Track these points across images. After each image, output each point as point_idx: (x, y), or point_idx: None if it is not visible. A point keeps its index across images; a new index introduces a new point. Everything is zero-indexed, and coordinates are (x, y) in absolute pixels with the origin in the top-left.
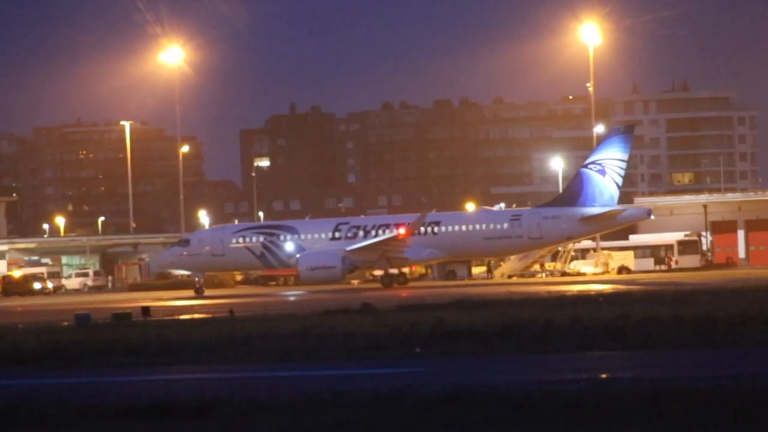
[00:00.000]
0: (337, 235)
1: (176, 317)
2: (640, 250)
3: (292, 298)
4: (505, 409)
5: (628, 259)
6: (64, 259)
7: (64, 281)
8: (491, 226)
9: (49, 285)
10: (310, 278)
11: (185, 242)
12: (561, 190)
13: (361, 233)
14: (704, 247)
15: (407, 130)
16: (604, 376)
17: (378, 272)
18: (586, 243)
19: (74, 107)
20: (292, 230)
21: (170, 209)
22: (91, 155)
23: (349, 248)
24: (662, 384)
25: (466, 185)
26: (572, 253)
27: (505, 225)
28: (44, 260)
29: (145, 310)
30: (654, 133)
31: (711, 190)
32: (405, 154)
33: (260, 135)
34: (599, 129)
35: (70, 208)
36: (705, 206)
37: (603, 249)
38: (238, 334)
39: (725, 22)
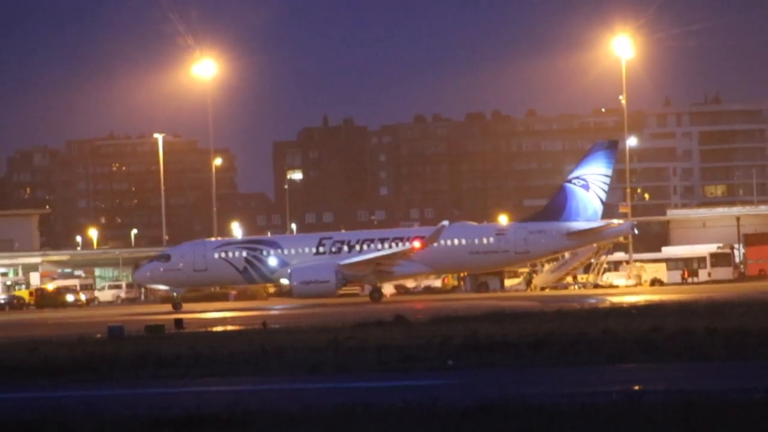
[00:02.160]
0: (321, 249)
1: (209, 329)
2: (673, 263)
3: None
4: (537, 421)
5: (660, 271)
6: (97, 272)
7: (96, 293)
8: (477, 240)
9: (82, 297)
10: (304, 292)
11: (165, 257)
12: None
13: (345, 248)
14: (737, 260)
15: (439, 142)
16: (636, 388)
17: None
18: (618, 255)
19: (107, 120)
20: (275, 245)
21: (203, 222)
22: (123, 168)
23: (342, 262)
24: (695, 396)
25: (498, 198)
26: (605, 266)
27: (491, 239)
28: (77, 272)
29: (178, 323)
30: (686, 145)
31: (744, 203)
32: (437, 166)
33: (293, 147)
34: (632, 141)
35: (103, 220)
36: (738, 218)
37: (636, 261)
38: (270, 346)
39: (757, 34)
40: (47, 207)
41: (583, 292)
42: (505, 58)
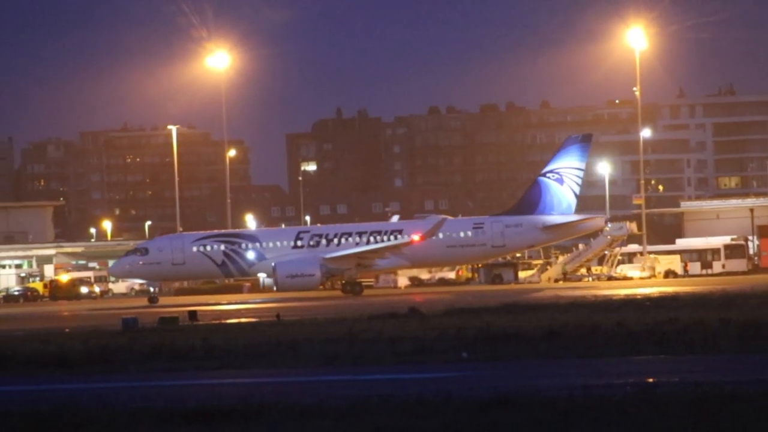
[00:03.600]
0: (299, 243)
1: (223, 321)
2: (687, 254)
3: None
4: (551, 413)
5: (674, 263)
6: (111, 263)
7: (111, 285)
8: (454, 234)
9: (96, 289)
10: (289, 286)
11: (143, 251)
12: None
13: (323, 242)
14: (751, 251)
15: (454, 134)
16: (650, 380)
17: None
18: (633, 247)
19: (121, 112)
20: (253, 239)
21: (217, 213)
22: (137, 160)
23: (327, 256)
24: (708, 388)
25: (512, 189)
26: (619, 257)
27: (469, 233)
28: (91, 264)
29: (192, 315)
30: (700, 137)
31: (758, 194)
32: (451, 158)
33: (307, 139)
34: (646, 133)
35: (117, 212)
36: (752, 210)
37: (650, 253)
38: (284, 338)
39: None
40: (61, 199)
41: (597, 283)
42: (520, 50)
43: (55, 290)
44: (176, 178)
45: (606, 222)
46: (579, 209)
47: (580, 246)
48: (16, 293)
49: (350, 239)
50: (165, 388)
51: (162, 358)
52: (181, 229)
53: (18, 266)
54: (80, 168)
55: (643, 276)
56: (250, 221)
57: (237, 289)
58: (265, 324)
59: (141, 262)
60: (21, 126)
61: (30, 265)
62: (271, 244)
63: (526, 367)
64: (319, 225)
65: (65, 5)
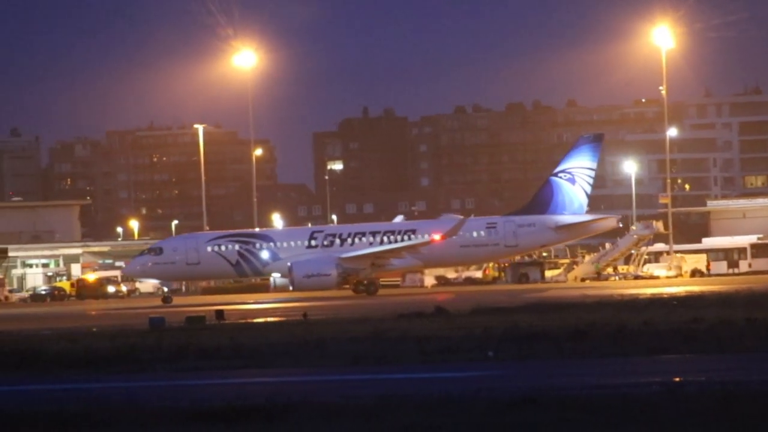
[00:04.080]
0: (313, 243)
1: (250, 320)
2: (713, 254)
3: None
4: (578, 412)
5: (701, 262)
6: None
7: (137, 284)
8: (467, 234)
9: (123, 288)
10: (305, 285)
11: (157, 250)
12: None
13: (337, 241)
14: None
15: (480, 133)
16: (677, 379)
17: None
18: (659, 246)
19: (147, 111)
20: (267, 238)
21: (243, 212)
22: (164, 158)
23: (343, 255)
24: (734, 388)
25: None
26: (645, 257)
27: (482, 233)
28: (118, 263)
29: (219, 314)
30: (726, 136)
31: None
32: (477, 157)
33: (333, 138)
34: (672, 132)
35: (144, 211)
36: None
37: (676, 252)
38: (311, 337)
39: None
40: (88, 198)
41: (624, 282)
42: (546, 49)
43: (82, 289)
44: (203, 177)
45: (617, 221)
46: (605, 208)
47: (607, 245)
48: (44, 292)
49: (364, 239)
50: (192, 387)
51: (189, 357)
52: (207, 228)
53: (45, 265)
54: (107, 167)
55: (669, 275)
56: (277, 220)
57: (264, 288)
58: (291, 323)
59: (155, 262)
60: (48, 125)
61: (57, 264)
62: (285, 244)
63: (552, 367)
64: (332, 224)
65: (92, 5)
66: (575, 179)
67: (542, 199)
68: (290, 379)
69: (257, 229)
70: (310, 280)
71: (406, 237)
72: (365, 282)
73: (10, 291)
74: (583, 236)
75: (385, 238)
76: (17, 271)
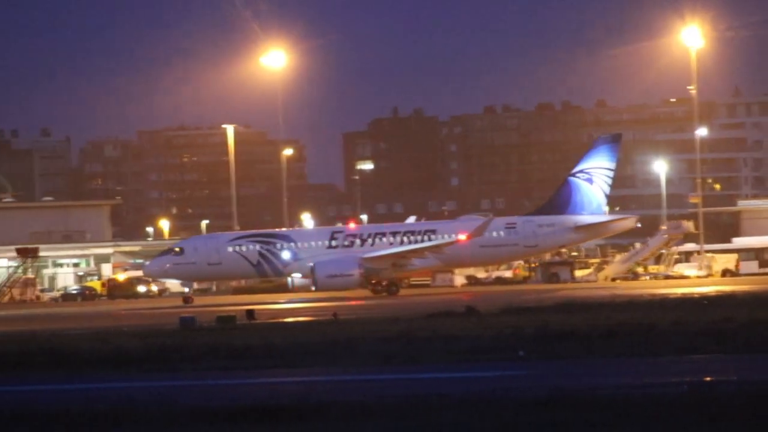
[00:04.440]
0: (333, 243)
1: (280, 320)
2: (744, 253)
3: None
4: (608, 412)
5: (731, 261)
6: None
7: (168, 284)
8: (487, 234)
9: (154, 288)
10: (328, 286)
11: (179, 251)
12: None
13: (357, 241)
14: None
15: (509, 133)
16: (707, 379)
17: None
18: (689, 246)
19: (177, 111)
20: (287, 239)
21: (273, 212)
22: (194, 158)
23: (365, 255)
24: (766, 387)
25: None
26: (676, 256)
27: (501, 233)
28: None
29: (250, 313)
30: (757, 135)
31: None
32: (507, 157)
33: (363, 138)
34: (702, 132)
35: (174, 211)
36: None
37: (707, 252)
38: (341, 337)
39: None
40: (118, 198)
41: (654, 282)
42: (575, 49)
43: (113, 289)
44: (233, 177)
45: (636, 221)
46: (635, 208)
47: (637, 245)
48: (74, 292)
49: (384, 239)
50: (222, 387)
51: (219, 357)
52: (238, 228)
53: (76, 265)
54: (137, 167)
55: (699, 275)
56: (307, 220)
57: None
58: (322, 323)
59: (176, 263)
60: (79, 125)
61: (88, 264)
62: (305, 244)
63: (582, 366)
64: (352, 225)
65: (121, 5)
66: (593, 179)
67: (561, 200)
68: (321, 378)
69: (279, 230)
70: (334, 280)
71: (426, 237)
72: (384, 282)
73: (42, 291)
74: (602, 236)
75: (405, 239)
76: (48, 271)
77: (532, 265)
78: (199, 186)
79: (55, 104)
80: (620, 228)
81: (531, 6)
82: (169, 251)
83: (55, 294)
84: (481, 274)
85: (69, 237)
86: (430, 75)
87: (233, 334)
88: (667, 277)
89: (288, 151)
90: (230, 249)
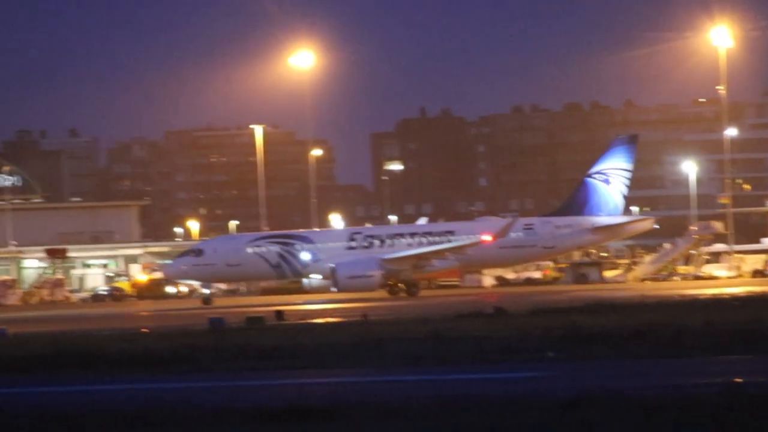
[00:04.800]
0: (352, 244)
1: (309, 321)
2: None
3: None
4: (638, 413)
5: (761, 262)
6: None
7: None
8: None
9: (183, 288)
10: (350, 287)
11: (198, 252)
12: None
13: (376, 242)
14: None
15: (538, 133)
16: (738, 380)
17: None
18: (719, 246)
19: (205, 111)
20: (306, 240)
21: (302, 213)
22: (222, 159)
23: (386, 257)
24: None
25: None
26: (705, 257)
27: (520, 234)
28: None
29: (279, 314)
30: None
31: None
32: (535, 157)
33: (391, 138)
34: (731, 132)
35: (202, 211)
36: None
37: (736, 252)
38: (370, 338)
39: None
40: (147, 198)
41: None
42: (603, 48)
43: (142, 290)
44: (261, 178)
45: (653, 223)
46: (664, 208)
47: (666, 246)
48: (103, 293)
49: (403, 240)
50: (251, 388)
51: (248, 358)
52: (267, 229)
53: (105, 266)
54: (165, 167)
55: (729, 275)
56: (335, 221)
57: (324, 289)
58: (351, 324)
59: (196, 264)
60: (107, 126)
61: (116, 265)
62: (325, 245)
63: (612, 367)
64: (369, 225)
65: (149, 5)
66: (610, 180)
67: (579, 201)
68: (350, 379)
69: (298, 230)
70: (355, 281)
71: (444, 238)
72: (400, 284)
73: (70, 291)
74: (619, 238)
75: (424, 240)
76: (77, 272)
77: (562, 265)
78: (228, 186)
79: (83, 105)
80: (638, 229)
81: (558, 6)
82: (189, 252)
83: (84, 295)
84: (510, 274)
85: (98, 238)
86: (458, 75)
87: (262, 334)
88: (697, 277)
89: (317, 152)
90: (249, 250)
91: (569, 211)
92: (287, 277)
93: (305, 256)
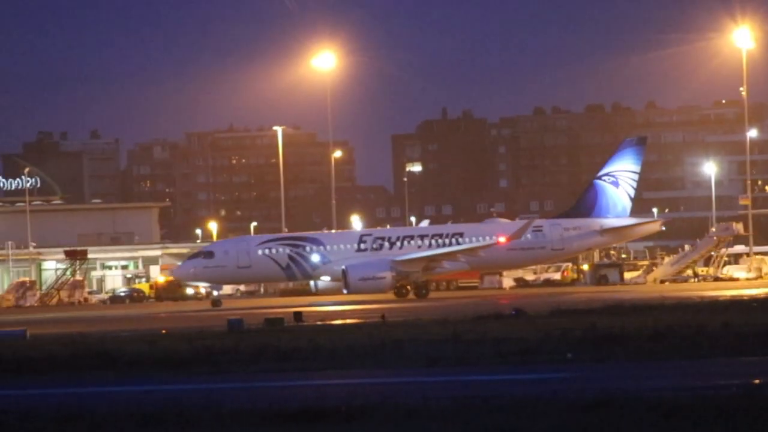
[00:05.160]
0: (362, 246)
1: (328, 322)
2: None
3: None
4: (657, 414)
5: None
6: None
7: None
8: (501, 239)
9: (202, 290)
10: (361, 288)
11: (208, 254)
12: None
13: (386, 245)
14: None
15: (559, 135)
16: (756, 381)
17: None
18: (739, 248)
19: (226, 113)
20: (317, 242)
21: (322, 214)
22: (243, 160)
23: (398, 258)
24: None
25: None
26: (725, 258)
27: (528, 236)
28: None
29: (298, 316)
30: None
31: None
32: (557, 159)
33: (412, 140)
34: (753, 133)
35: (223, 213)
36: None
37: (756, 254)
38: (389, 339)
39: None
40: (167, 200)
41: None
42: (625, 50)
43: (161, 291)
44: (282, 179)
45: (661, 225)
46: (684, 210)
47: (686, 247)
48: (123, 294)
49: (413, 242)
50: (270, 389)
51: (267, 359)
52: (286, 230)
53: (124, 267)
54: (186, 169)
55: (749, 277)
56: (356, 222)
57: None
58: (369, 325)
59: (206, 266)
60: (127, 127)
61: (136, 266)
62: (335, 247)
63: (631, 368)
64: (379, 228)
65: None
66: (619, 182)
67: (587, 203)
68: (369, 380)
69: (308, 233)
70: (366, 283)
71: (454, 240)
72: (408, 286)
73: (90, 293)
74: (627, 239)
75: (434, 242)
76: (96, 273)
77: (581, 267)
78: (248, 188)
79: (104, 106)
80: (646, 231)
81: (580, 8)
82: (199, 254)
83: (104, 296)
84: (529, 276)
85: (117, 239)
86: (479, 77)
87: (281, 336)
88: (717, 279)
89: (337, 153)
90: (260, 252)
91: (578, 213)
92: (297, 279)
93: (315, 258)
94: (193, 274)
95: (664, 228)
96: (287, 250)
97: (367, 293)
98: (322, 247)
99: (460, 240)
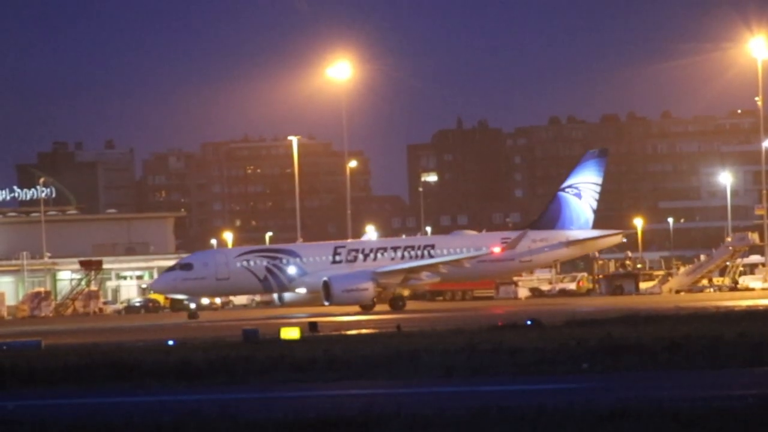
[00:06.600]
0: (337, 258)
1: (343, 332)
2: None
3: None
4: (673, 425)
5: None
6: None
7: (231, 297)
8: (483, 249)
9: (217, 300)
10: (343, 300)
11: (187, 266)
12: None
13: (360, 256)
14: None
15: (574, 144)
16: None
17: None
18: (754, 258)
19: (241, 123)
20: (293, 254)
21: (337, 224)
22: (258, 170)
23: (379, 270)
24: None
25: (632, 200)
26: (741, 268)
27: (497, 249)
28: None
29: (313, 326)
30: None
31: None
32: (572, 168)
33: (427, 150)
34: None
35: (238, 223)
36: None
37: None
38: (404, 349)
39: None
40: (182, 210)
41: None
42: (640, 60)
43: (175, 301)
44: (297, 189)
45: (621, 237)
46: (699, 219)
47: (702, 257)
48: (137, 304)
49: (386, 254)
50: (286, 399)
51: (283, 370)
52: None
53: (139, 277)
54: (201, 179)
55: (765, 287)
56: (371, 232)
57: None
58: (385, 335)
59: (185, 278)
60: (143, 137)
61: (151, 276)
62: (310, 259)
63: (646, 379)
64: (351, 240)
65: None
66: (582, 194)
67: (551, 215)
68: (384, 391)
69: (284, 245)
70: (349, 294)
71: (425, 252)
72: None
73: (105, 303)
74: (589, 251)
75: (406, 253)
76: (111, 283)
77: (597, 277)
78: (263, 198)
79: (119, 117)
80: (608, 243)
81: (595, 17)
82: (177, 267)
83: (119, 306)
84: (545, 286)
85: (132, 249)
86: (494, 87)
87: (296, 346)
88: (732, 289)
89: (352, 163)
90: (238, 264)
91: (542, 224)
92: (273, 291)
93: (292, 270)
94: (171, 286)
95: (625, 240)
96: (264, 262)
97: (349, 304)
98: (298, 259)
99: (431, 252)
